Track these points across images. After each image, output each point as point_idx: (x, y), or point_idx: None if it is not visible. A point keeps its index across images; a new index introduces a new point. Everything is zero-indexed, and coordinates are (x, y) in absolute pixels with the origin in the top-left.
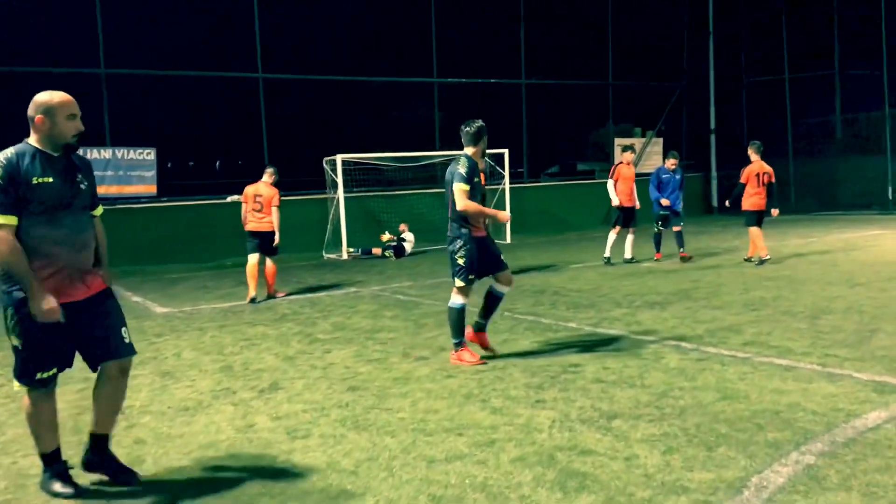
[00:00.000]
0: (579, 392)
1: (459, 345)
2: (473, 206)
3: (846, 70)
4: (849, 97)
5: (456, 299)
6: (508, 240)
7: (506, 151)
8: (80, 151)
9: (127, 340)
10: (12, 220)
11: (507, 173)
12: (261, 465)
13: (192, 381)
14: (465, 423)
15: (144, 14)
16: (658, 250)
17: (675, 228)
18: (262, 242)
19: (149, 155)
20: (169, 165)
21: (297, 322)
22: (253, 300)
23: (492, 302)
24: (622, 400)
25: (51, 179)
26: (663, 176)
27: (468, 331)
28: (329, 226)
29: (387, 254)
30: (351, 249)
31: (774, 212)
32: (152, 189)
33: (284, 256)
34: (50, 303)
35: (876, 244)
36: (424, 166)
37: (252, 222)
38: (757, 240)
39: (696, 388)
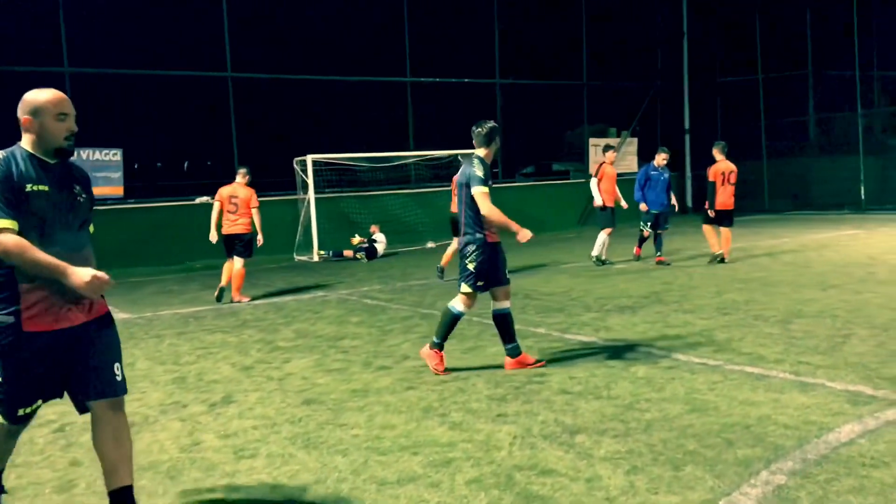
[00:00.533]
0: (543, 404)
1: (438, 346)
2: (498, 213)
3: (819, 71)
4: (822, 98)
5: (457, 304)
6: None
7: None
8: None
9: (119, 378)
10: (13, 224)
11: None
12: (201, 490)
13: (142, 394)
14: (421, 441)
15: (110, 11)
16: (639, 246)
17: (658, 231)
18: (236, 244)
19: (115, 156)
20: (136, 166)
21: (259, 328)
22: (222, 290)
23: (503, 324)
24: (587, 413)
25: (46, 188)
26: (651, 173)
27: (506, 360)
28: (300, 227)
29: (358, 256)
30: (322, 252)
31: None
32: (119, 191)
33: (255, 259)
34: (84, 274)
35: (849, 244)
36: (397, 167)
37: (226, 224)
38: (710, 237)
39: (663, 399)
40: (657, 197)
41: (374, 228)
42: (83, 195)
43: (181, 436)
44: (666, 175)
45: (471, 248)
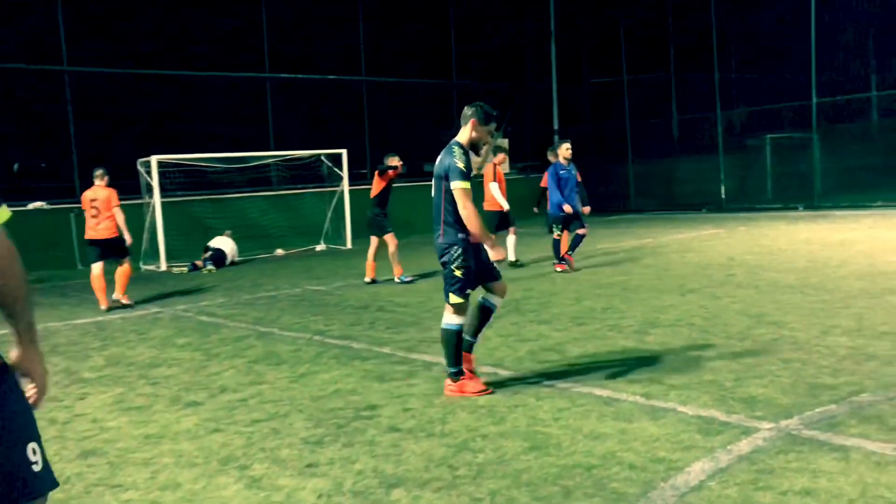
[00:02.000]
0: (365, 448)
1: (458, 374)
2: (476, 219)
3: (682, 73)
4: (684, 99)
5: (451, 319)
6: (349, 245)
7: (344, 151)
8: None
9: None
10: None
11: (346, 174)
12: None
13: None
14: None
15: None
16: (561, 258)
17: (581, 231)
18: (105, 249)
19: None
20: None
21: (67, 355)
22: (111, 309)
23: (485, 316)
24: (412, 458)
25: None
26: (561, 172)
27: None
28: (145, 234)
29: (206, 269)
30: (185, 269)
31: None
32: None
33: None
34: None
35: (709, 245)
36: (256, 167)
37: (89, 230)
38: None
39: (502, 434)
40: (568, 195)
41: (227, 233)
42: None
43: None
44: (574, 171)
45: (454, 251)
